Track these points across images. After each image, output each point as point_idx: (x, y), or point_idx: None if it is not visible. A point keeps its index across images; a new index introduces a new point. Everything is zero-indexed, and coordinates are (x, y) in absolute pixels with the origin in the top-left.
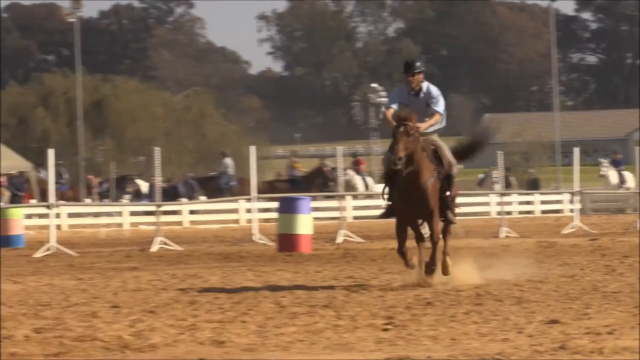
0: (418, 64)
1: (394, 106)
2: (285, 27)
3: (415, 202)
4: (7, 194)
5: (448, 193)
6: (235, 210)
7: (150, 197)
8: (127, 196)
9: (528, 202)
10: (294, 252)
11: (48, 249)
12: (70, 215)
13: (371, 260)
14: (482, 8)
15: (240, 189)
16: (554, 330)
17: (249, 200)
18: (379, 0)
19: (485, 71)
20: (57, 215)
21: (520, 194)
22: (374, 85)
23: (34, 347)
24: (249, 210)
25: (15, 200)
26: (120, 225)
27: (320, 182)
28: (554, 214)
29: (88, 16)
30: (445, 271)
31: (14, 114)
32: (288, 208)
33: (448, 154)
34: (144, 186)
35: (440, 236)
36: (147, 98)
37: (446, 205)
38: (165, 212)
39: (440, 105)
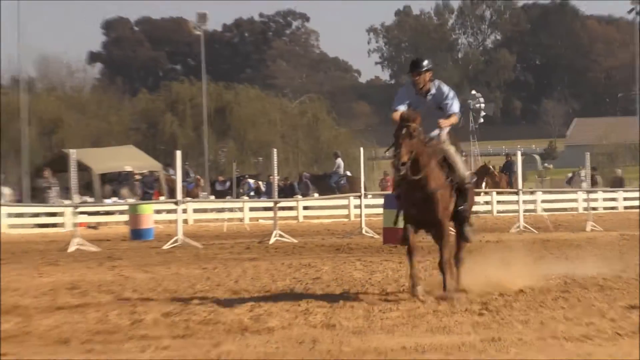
0: (425, 62)
1: (401, 107)
2: (392, 39)
3: (422, 212)
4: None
5: (463, 206)
6: (345, 206)
7: (268, 194)
8: (244, 193)
9: (612, 199)
10: (397, 244)
11: (175, 242)
12: (196, 210)
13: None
14: (573, 20)
15: (350, 187)
16: (633, 315)
17: (358, 197)
18: (479, 14)
19: (576, 79)
20: (184, 211)
21: (605, 191)
22: (473, 92)
23: (163, 329)
24: (358, 206)
25: (146, 197)
26: (241, 220)
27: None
28: (636, 209)
29: (212, 29)
30: (454, 284)
31: (145, 118)
32: (392, 204)
33: (460, 163)
34: (253, 185)
35: (447, 252)
36: (266, 104)
37: (462, 219)
38: (282, 208)
39: (455, 106)
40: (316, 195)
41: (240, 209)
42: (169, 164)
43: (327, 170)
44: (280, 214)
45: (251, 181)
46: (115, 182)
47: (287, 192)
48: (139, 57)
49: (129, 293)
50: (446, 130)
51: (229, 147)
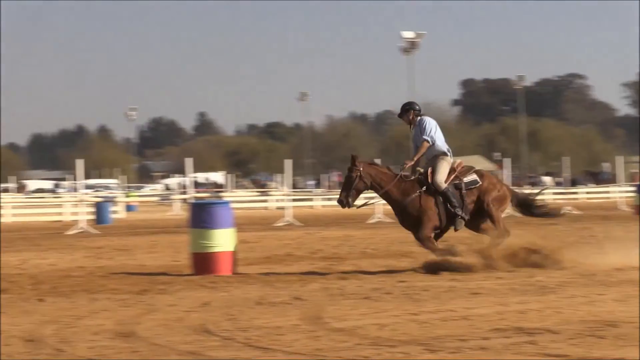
0: (407, 106)
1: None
2: None
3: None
4: None
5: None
6: None
7: None
8: None
9: None
10: None
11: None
12: None
13: None
14: None
15: None
16: None
17: None
18: None
19: None
20: None
21: None
22: None
23: None
24: None
25: None
26: None
27: None
28: None
29: (528, 84)
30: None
31: (484, 138)
32: None
33: (437, 173)
34: None
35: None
36: (562, 131)
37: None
38: None
39: (425, 133)
40: None
41: None
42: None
43: None
44: None
45: None
46: None
47: None
48: (482, 103)
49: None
50: (412, 162)
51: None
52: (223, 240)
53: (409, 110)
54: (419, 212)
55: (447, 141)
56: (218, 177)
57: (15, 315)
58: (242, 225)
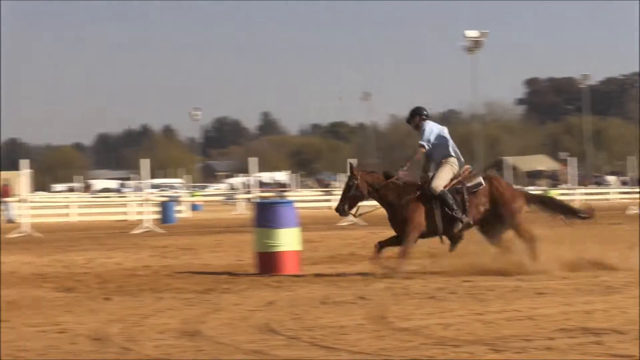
0: (414, 112)
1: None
2: None
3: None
4: None
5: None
6: None
7: None
8: None
9: None
10: None
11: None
12: (585, 193)
13: None
14: None
15: None
16: None
17: None
18: None
19: None
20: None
21: None
22: None
23: None
24: None
25: (553, 185)
26: None
27: None
28: None
29: (593, 83)
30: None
31: (549, 137)
32: None
33: (435, 178)
34: None
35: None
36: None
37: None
38: None
39: (422, 138)
40: None
41: None
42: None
43: None
44: None
45: None
46: (533, 176)
47: None
48: (546, 102)
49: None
50: (409, 165)
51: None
52: (287, 239)
53: (415, 115)
54: (404, 218)
55: (510, 140)
56: (282, 176)
57: (82, 314)
58: (306, 224)
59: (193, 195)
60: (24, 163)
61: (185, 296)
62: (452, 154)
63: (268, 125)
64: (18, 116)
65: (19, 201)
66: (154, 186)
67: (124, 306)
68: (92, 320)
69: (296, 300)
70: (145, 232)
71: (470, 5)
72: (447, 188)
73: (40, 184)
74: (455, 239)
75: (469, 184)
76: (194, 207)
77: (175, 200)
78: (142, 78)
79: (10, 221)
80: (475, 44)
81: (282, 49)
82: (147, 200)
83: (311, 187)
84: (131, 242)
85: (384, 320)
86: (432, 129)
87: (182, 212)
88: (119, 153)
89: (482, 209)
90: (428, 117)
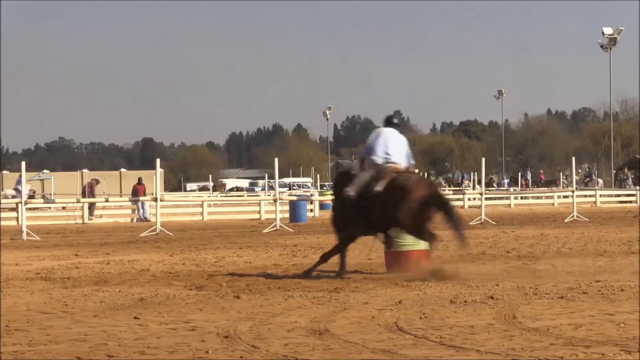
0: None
1: None
2: None
3: None
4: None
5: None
6: None
7: None
8: None
9: None
10: None
11: None
12: None
13: None
14: None
15: None
16: None
17: None
18: None
19: None
20: None
21: None
22: None
23: None
24: None
25: None
26: None
27: None
28: None
29: None
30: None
31: None
32: None
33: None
34: None
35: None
36: None
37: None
38: None
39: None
40: None
41: None
42: None
43: None
44: None
45: None
46: None
47: None
48: None
49: None
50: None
51: None
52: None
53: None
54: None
55: None
56: None
57: (212, 311)
58: (437, 223)
59: (323, 194)
60: (158, 162)
61: (314, 295)
62: (384, 158)
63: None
64: (152, 116)
65: (152, 200)
66: (284, 185)
67: (253, 304)
68: (222, 318)
69: (425, 299)
70: (275, 230)
71: (606, 2)
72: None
73: (173, 183)
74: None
75: (376, 186)
76: (323, 206)
77: (305, 199)
78: (276, 77)
79: (143, 219)
80: (611, 41)
81: (414, 47)
82: (277, 199)
83: (442, 186)
84: (261, 240)
85: (513, 320)
86: (376, 137)
87: (312, 211)
88: (250, 152)
89: (379, 211)
90: (391, 125)
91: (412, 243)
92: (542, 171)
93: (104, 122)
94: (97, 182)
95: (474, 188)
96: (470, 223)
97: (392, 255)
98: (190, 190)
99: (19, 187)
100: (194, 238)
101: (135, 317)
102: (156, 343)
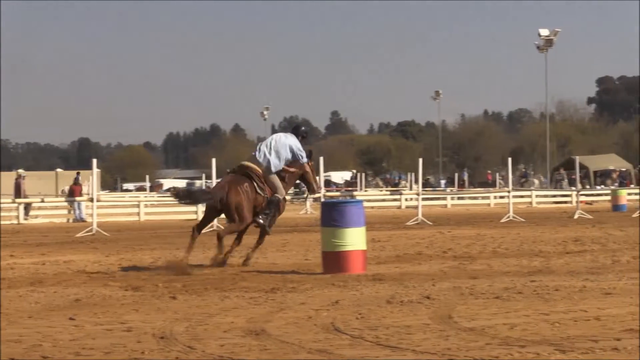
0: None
1: None
2: None
3: None
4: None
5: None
6: None
7: None
8: None
9: None
10: None
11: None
12: None
13: None
14: None
15: None
16: None
17: None
18: None
19: None
20: None
21: None
22: None
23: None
24: None
25: (622, 185)
26: None
27: None
28: None
29: None
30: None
31: (622, 137)
32: None
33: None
34: None
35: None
36: None
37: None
38: None
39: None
40: None
41: None
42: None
43: None
44: None
45: None
46: (603, 176)
47: None
48: (618, 101)
49: (610, 244)
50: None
51: None
52: (354, 239)
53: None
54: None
55: (580, 140)
56: (346, 175)
57: (148, 312)
58: (373, 224)
59: None
60: (94, 162)
61: (250, 295)
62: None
63: (337, 124)
64: (89, 116)
65: (88, 200)
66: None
67: (190, 305)
68: (158, 318)
69: (361, 299)
70: (213, 230)
71: (542, 3)
72: None
73: (109, 183)
74: None
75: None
76: None
77: None
78: (212, 77)
79: (79, 220)
80: (547, 43)
81: (352, 47)
82: None
83: (379, 187)
84: (199, 241)
85: (449, 320)
86: (268, 140)
87: None
88: (187, 152)
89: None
90: (295, 131)
91: (350, 243)
92: (489, 171)
93: (40, 122)
94: (22, 177)
95: (410, 188)
96: (407, 223)
97: (330, 256)
98: (126, 190)
99: None
100: (130, 238)
101: (70, 318)
102: (92, 344)
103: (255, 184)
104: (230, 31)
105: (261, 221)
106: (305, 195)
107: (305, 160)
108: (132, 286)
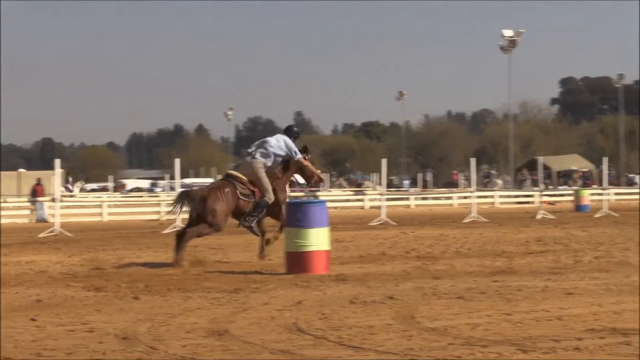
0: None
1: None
2: None
3: None
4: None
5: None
6: None
7: None
8: None
9: None
10: None
11: (602, 213)
12: (616, 193)
13: None
14: None
15: None
16: None
17: None
18: None
19: None
20: (608, 194)
21: None
22: None
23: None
24: None
25: (585, 185)
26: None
27: None
28: None
29: (629, 82)
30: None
31: (584, 138)
32: None
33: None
34: None
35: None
36: None
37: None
38: None
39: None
40: None
41: None
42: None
43: None
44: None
45: None
46: (565, 176)
47: None
48: (581, 101)
49: (573, 245)
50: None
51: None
52: (318, 239)
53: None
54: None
55: (544, 140)
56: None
57: (111, 313)
58: (337, 224)
59: None
60: (57, 163)
61: (213, 295)
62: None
63: (301, 125)
64: (52, 116)
65: (51, 200)
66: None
67: (152, 305)
68: (121, 319)
69: (324, 300)
70: (176, 231)
71: (506, 4)
72: None
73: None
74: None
75: None
76: None
77: None
78: (177, 78)
79: (42, 220)
80: (511, 43)
81: (315, 48)
82: None
83: (342, 187)
84: (162, 241)
85: (412, 320)
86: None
87: None
88: (151, 153)
89: None
90: (287, 132)
91: (313, 244)
92: (455, 171)
93: (3, 122)
94: None
95: (374, 189)
96: (371, 224)
97: (293, 256)
98: (91, 190)
99: None
100: (93, 239)
101: (32, 319)
102: (53, 345)
103: (237, 191)
104: (194, 31)
105: (247, 224)
106: (312, 187)
107: (298, 156)
108: (95, 287)
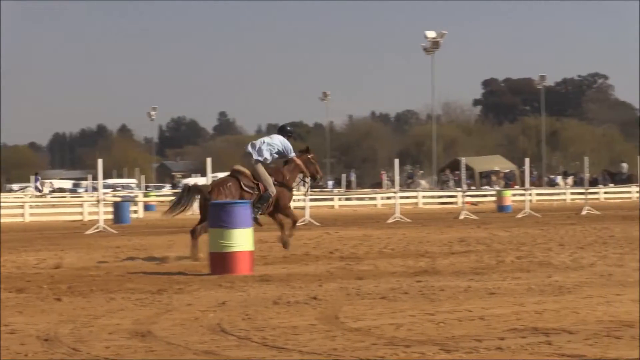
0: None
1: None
2: None
3: None
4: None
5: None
6: None
7: None
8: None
9: None
10: None
11: (525, 213)
12: (538, 194)
13: None
14: None
15: None
16: None
17: None
18: None
19: None
20: (530, 194)
21: None
22: None
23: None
24: None
25: (507, 186)
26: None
27: None
28: None
29: (550, 84)
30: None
31: (506, 139)
32: None
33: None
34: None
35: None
36: (583, 130)
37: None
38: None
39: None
40: None
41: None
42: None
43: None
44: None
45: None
46: (488, 177)
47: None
48: (503, 103)
49: (495, 245)
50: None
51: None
52: (241, 240)
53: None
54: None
55: (466, 141)
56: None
57: (32, 314)
58: (261, 224)
59: (147, 196)
60: None
61: (137, 296)
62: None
63: (225, 125)
64: None
65: None
66: (108, 186)
67: (75, 306)
68: (43, 320)
69: (248, 300)
70: (99, 232)
71: (429, 5)
72: None
73: None
74: None
75: None
76: (148, 208)
77: (129, 200)
78: (99, 77)
79: None
80: (434, 44)
81: (239, 48)
82: (101, 200)
83: None
84: (84, 242)
85: (336, 320)
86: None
87: (136, 212)
88: (74, 153)
89: None
90: (281, 131)
91: (236, 244)
92: (382, 172)
93: None
94: None
95: (298, 189)
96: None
97: (216, 257)
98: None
99: None
100: (14, 240)
101: None
102: None
103: (241, 183)
104: (117, 30)
105: (252, 215)
106: (310, 182)
107: (292, 154)
108: (16, 288)
